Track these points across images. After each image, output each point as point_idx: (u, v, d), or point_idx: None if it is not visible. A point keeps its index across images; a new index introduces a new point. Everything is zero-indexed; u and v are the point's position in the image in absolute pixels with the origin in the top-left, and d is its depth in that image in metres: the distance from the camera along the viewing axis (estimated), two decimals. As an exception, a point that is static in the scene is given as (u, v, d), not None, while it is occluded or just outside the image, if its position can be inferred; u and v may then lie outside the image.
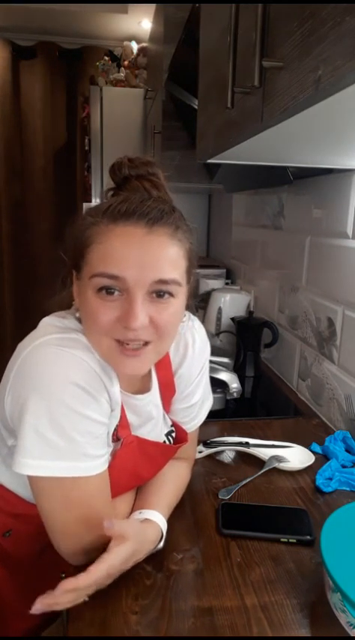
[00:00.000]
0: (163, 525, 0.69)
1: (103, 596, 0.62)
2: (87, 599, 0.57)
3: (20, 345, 0.64)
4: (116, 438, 0.69)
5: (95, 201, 2.56)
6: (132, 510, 0.72)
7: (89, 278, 0.60)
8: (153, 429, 0.77)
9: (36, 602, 0.52)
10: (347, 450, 1.00)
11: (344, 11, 0.41)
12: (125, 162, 0.68)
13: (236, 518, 0.77)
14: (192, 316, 0.79)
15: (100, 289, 0.60)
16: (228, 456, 1.00)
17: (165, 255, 0.61)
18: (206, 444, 0.98)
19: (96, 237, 0.61)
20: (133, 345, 0.62)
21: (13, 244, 3.40)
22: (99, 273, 0.59)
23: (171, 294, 0.62)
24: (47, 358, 0.60)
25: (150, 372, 0.77)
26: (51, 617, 0.87)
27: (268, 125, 0.63)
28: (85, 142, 3.04)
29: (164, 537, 0.69)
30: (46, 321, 0.67)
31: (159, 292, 0.61)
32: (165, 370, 0.79)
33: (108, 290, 0.60)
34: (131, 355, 0.62)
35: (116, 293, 0.60)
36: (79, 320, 0.67)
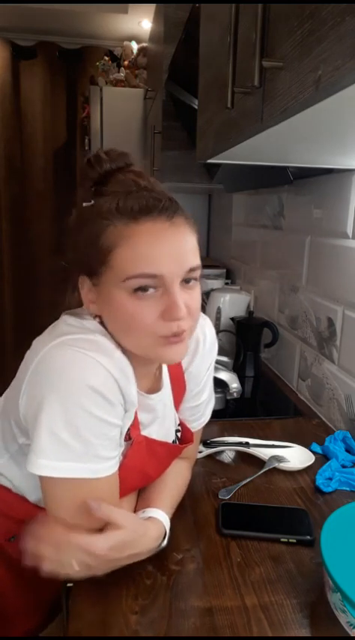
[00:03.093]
0: (166, 523, 0.69)
1: (103, 596, 0.62)
2: (75, 567, 0.58)
3: (39, 341, 0.64)
4: (128, 437, 0.69)
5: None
6: (135, 510, 0.72)
7: (123, 281, 0.60)
8: (162, 426, 0.77)
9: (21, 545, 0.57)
10: (347, 450, 1.00)
11: (344, 11, 0.41)
12: (103, 157, 0.67)
13: (236, 518, 0.78)
14: (202, 314, 0.79)
15: (136, 290, 0.60)
16: (228, 456, 1.00)
17: (188, 245, 0.63)
18: (206, 444, 0.98)
19: (120, 240, 0.60)
20: None
21: (13, 244, 3.40)
22: (137, 274, 0.59)
23: (196, 279, 0.64)
24: (65, 359, 0.59)
25: (161, 370, 0.77)
26: (52, 617, 0.87)
27: (268, 125, 0.63)
28: (85, 142, 3.03)
29: (167, 535, 0.68)
30: (66, 319, 0.67)
31: (188, 280, 0.63)
32: (175, 368, 0.79)
33: (143, 289, 0.60)
34: (175, 342, 0.63)
35: (151, 290, 0.60)
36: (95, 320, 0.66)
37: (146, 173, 0.68)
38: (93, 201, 0.66)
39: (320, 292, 1.23)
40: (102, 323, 0.66)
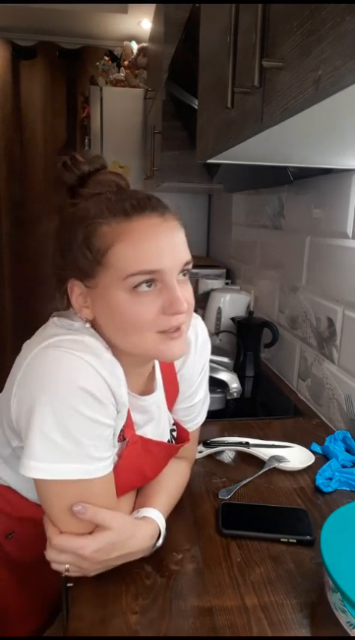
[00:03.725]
0: (161, 522, 0.69)
1: (103, 596, 0.62)
2: (65, 568, 0.61)
3: (28, 345, 0.64)
4: (122, 437, 0.69)
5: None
6: (134, 510, 0.72)
7: (124, 279, 0.60)
8: (158, 427, 0.77)
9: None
10: (347, 450, 1.00)
11: (344, 11, 0.41)
12: (80, 159, 0.67)
13: (236, 518, 0.77)
14: (194, 314, 0.79)
15: (136, 286, 0.60)
16: (228, 456, 1.00)
17: (181, 239, 0.64)
18: (206, 444, 0.98)
19: (116, 238, 0.60)
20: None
21: (13, 244, 3.40)
22: (138, 271, 0.59)
23: (189, 272, 0.66)
24: (55, 361, 0.59)
25: (154, 372, 0.77)
26: (53, 619, 0.87)
27: (268, 125, 0.63)
28: (85, 142, 3.03)
29: (162, 535, 0.68)
30: (54, 321, 0.66)
31: (183, 273, 0.64)
32: (168, 370, 0.79)
33: (144, 285, 0.60)
34: (176, 337, 0.63)
35: (151, 286, 0.61)
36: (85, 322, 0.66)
37: (124, 175, 0.69)
38: (76, 204, 0.65)
39: (320, 292, 1.23)
40: (93, 326, 0.66)
